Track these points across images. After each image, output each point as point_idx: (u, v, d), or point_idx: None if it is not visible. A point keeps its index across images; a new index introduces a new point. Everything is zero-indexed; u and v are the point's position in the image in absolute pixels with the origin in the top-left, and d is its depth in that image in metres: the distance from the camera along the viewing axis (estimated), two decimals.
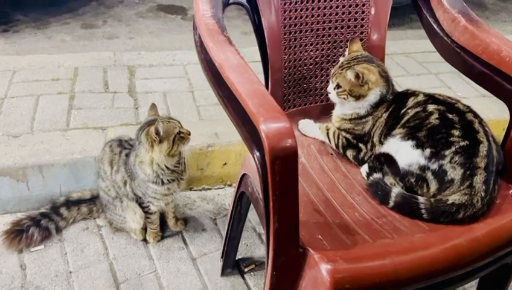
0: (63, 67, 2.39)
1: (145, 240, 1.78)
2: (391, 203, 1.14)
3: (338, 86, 1.27)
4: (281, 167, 0.83)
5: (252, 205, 1.32)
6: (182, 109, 2.17)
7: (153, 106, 1.61)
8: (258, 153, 0.87)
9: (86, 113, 2.08)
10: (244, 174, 1.31)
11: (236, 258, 1.70)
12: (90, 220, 1.84)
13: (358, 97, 1.26)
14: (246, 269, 1.70)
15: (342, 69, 1.27)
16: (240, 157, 2.01)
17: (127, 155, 1.62)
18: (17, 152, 1.81)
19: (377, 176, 1.19)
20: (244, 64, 0.97)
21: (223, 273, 1.67)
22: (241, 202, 1.41)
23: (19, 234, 1.68)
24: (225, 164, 2.02)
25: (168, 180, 1.58)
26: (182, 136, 1.52)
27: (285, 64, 1.32)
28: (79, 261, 1.68)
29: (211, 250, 1.76)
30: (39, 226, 1.71)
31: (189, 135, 1.52)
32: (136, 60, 2.54)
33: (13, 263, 1.65)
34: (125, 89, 2.28)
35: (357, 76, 1.23)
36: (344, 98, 1.27)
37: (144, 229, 1.77)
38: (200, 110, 2.19)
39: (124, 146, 1.67)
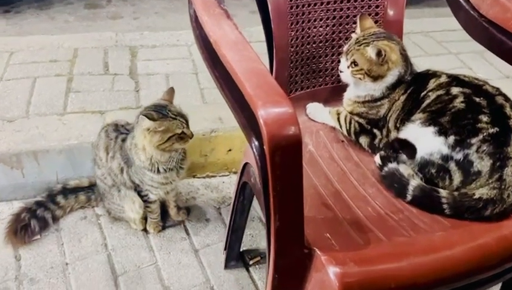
0: (62, 48, 2.29)
1: (145, 230, 1.69)
2: (409, 197, 1.02)
3: (354, 64, 1.14)
4: (282, 159, 0.72)
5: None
6: (185, 91, 2.05)
7: (171, 91, 1.47)
8: (256, 143, 0.76)
9: (84, 96, 1.98)
10: (246, 163, 1.20)
11: (241, 250, 1.61)
12: (88, 208, 1.76)
13: (376, 78, 1.13)
14: (250, 262, 1.60)
15: (360, 45, 1.14)
16: (245, 143, 1.90)
17: (124, 140, 1.52)
18: (11, 137, 1.73)
19: (392, 166, 1.07)
20: (242, 41, 0.85)
21: (227, 266, 1.57)
22: (244, 192, 1.30)
23: (24, 230, 1.60)
24: (230, 150, 1.91)
25: (164, 169, 1.47)
26: (181, 137, 1.40)
27: (292, 42, 1.19)
28: (76, 252, 1.60)
29: (215, 241, 1.67)
30: (36, 216, 1.63)
31: (191, 137, 1.40)
32: (139, 40, 2.42)
33: (7, 254, 1.58)
34: (126, 71, 2.17)
35: (379, 53, 1.10)
36: (360, 78, 1.14)
37: (145, 219, 1.68)
38: (204, 93, 2.07)
39: (120, 131, 1.56)
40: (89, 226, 1.70)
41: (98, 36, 2.42)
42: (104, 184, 1.61)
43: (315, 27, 1.22)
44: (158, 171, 1.47)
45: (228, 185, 1.93)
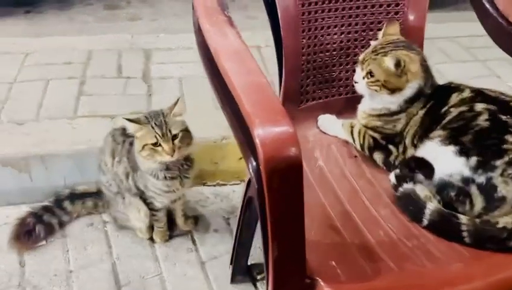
0: (77, 50, 2.27)
1: (151, 239, 1.64)
2: (425, 221, 0.94)
3: (370, 75, 1.06)
4: (281, 183, 0.66)
5: None
6: (197, 96, 2.00)
7: (177, 102, 1.39)
8: (254, 163, 0.69)
9: (95, 100, 1.95)
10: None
11: (249, 264, 1.54)
12: (95, 215, 1.73)
13: (393, 90, 1.05)
14: (258, 277, 1.54)
15: (377, 54, 1.06)
16: None
17: (132, 144, 1.47)
18: (20, 141, 1.71)
19: (408, 186, 0.99)
20: (244, 51, 0.79)
21: (233, 281, 1.51)
22: (250, 207, 1.23)
23: (28, 235, 1.57)
24: (241, 158, 1.83)
25: (165, 176, 1.42)
26: (153, 149, 1.33)
27: (303, 50, 1.12)
28: (80, 260, 1.56)
29: (222, 253, 1.61)
30: (42, 222, 1.61)
31: (170, 154, 1.31)
32: (154, 43, 2.39)
33: (12, 260, 1.55)
34: (139, 74, 2.14)
35: (398, 64, 1.02)
36: (376, 90, 1.06)
37: (151, 227, 1.63)
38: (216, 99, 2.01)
39: (129, 135, 1.52)
40: (95, 233, 1.66)
41: (113, 38, 2.40)
42: (109, 191, 1.57)
43: (328, 34, 1.15)
44: (158, 177, 1.42)
45: (239, 194, 1.86)
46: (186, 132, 1.40)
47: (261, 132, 0.64)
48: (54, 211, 1.64)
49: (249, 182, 1.16)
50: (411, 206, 0.96)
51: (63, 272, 1.52)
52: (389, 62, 1.02)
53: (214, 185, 1.89)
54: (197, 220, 1.73)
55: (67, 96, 1.95)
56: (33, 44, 2.30)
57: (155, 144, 1.33)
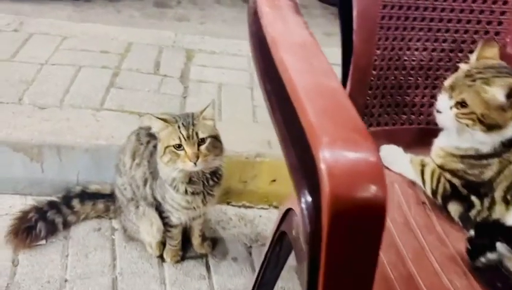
0: (116, 40, 2.14)
1: (161, 256, 1.44)
2: None
3: (461, 105, 0.84)
4: (350, 234, 0.44)
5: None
6: (236, 106, 1.82)
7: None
8: (308, 198, 0.48)
9: (125, 93, 1.79)
10: (289, 210, 0.91)
11: None
12: (105, 219, 1.55)
13: (491, 127, 0.82)
14: None
15: (473, 81, 0.83)
16: None
17: (155, 147, 1.29)
18: (37, 126, 1.56)
19: (491, 257, 0.75)
20: (311, 44, 0.59)
21: None
22: (282, 243, 1.02)
23: (27, 232, 1.41)
24: (274, 180, 1.64)
25: (186, 190, 1.22)
26: (175, 152, 1.15)
27: (376, 63, 0.91)
28: (79, 268, 1.38)
29: (238, 286, 1.39)
30: (45, 219, 1.44)
31: (192, 160, 1.13)
32: (198, 44, 2.23)
33: (6, 256, 1.39)
34: (177, 73, 1.98)
35: (510, 95, 0.79)
36: (467, 125, 0.84)
37: (163, 244, 1.44)
38: (256, 111, 1.82)
39: (155, 136, 1.34)
40: (100, 240, 1.48)
41: (156, 34, 2.26)
42: (123, 196, 1.39)
43: (409, 48, 0.93)
44: (178, 190, 1.23)
45: (265, 220, 1.65)
46: (215, 139, 1.20)
47: (328, 156, 0.43)
48: (61, 209, 1.48)
49: (286, 213, 0.94)
50: (500, 283, 0.72)
51: (57, 280, 1.34)
52: (497, 92, 0.80)
53: (239, 206, 1.68)
54: (214, 243, 1.52)
55: (97, 86, 1.81)
56: (73, 28, 2.19)
57: (178, 147, 1.15)
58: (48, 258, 1.40)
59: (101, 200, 1.53)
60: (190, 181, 1.22)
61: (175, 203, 1.27)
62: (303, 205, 0.48)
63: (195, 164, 1.14)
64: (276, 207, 1.69)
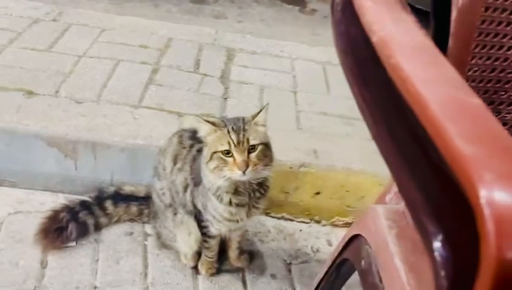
0: (156, 35, 2.07)
1: (195, 267, 1.35)
2: None
3: None
4: None
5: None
6: (279, 111, 1.71)
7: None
8: (447, 250, 0.37)
9: (165, 91, 1.71)
10: (356, 236, 0.80)
11: None
12: (137, 223, 1.47)
13: None
14: None
15: None
16: (340, 189, 1.51)
17: (200, 151, 1.20)
18: (73, 121, 1.49)
19: None
20: (431, 47, 0.48)
21: None
22: (340, 270, 0.91)
23: (58, 233, 1.34)
24: (318, 193, 1.52)
25: (231, 201, 1.13)
26: (223, 159, 1.06)
27: (469, 72, 0.79)
28: (110, 275, 1.30)
29: None
30: (77, 219, 1.36)
31: (241, 169, 1.04)
32: (239, 43, 2.14)
33: (34, 257, 1.32)
34: (217, 73, 1.88)
35: None
36: None
37: (198, 254, 1.34)
38: (300, 117, 1.72)
39: (199, 140, 1.25)
40: (132, 245, 1.40)
41: (196, 30, 2.17)
42: (160, 201, 1.30)
43: (506, 59, 0.81)
44: (221, 200, 1.13)
45: (306, 235, 1.54)
46: (266, 147, 1.10)
47: (496, 200, 0.32)
48: (93, 210, 1.40)
49: (352, 239, 0.83)
50: None
51: (87, 286, 1.26)
52: None
53: (279, 218, 1.58)
54: (252, 256, 1.42)
55: (136, 82, 1.73)
56: (112, 21, 2.12)
57: (226, 153, 1.05)
58: (78, 262, 1.32)
59: (135, 203, 1.45)
60: (236, 191, 1.13)
61: (217, 214, 1.17)
62: (438, 257, 0.37)
63: (244, 172, 1.04)
64: (317, 222, 1.58)
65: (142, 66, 1.82)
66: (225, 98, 1.75)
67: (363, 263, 0.76)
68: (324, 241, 1.53)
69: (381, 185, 1.55)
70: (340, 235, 1.54)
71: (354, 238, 0.83)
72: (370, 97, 0.53)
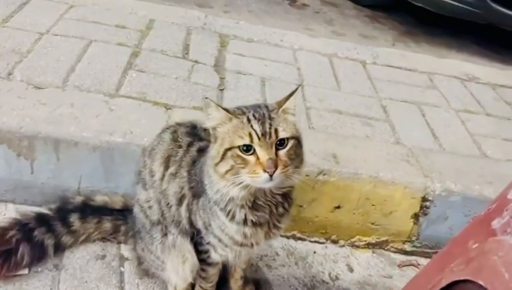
0: (135, 15, 1.76)
1: None
2: None
3: None
4: None
5: None
6: None
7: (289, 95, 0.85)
8: None
9: (148, 79, 1.40)
10: (466, 282, 0.53)
11: None
12: (112, 244, 1.17)
13: None
14: None
15: None
16: (365, 203, 1.24)
17: (201, 151, 0.90)
18: (30, 111, 1.16)
19: None
20: None
21: None
22: None
23: (5, 257, 1.01)
24: (338, 207, 1.26)
25: (245, 218, 0.83)
26: (241, 158, 0.77)
27: None
28: None
29: None
30: (30, 239, 1.04)
31: (266, 170, 0.75)
32: (232, 29, 1.86)
33: None
34: (210, 61, 1.59)
35: None
36: None
37: (191, 286, 1.03)
38: (310, 115, 1.45)
39: (200, 136, 0.95)
40: (104, 272, 1.10)
41: (182, 12, 1.88)
42: (145, 217, 0.99)
43: None
44: (233, 217, 0.83)
45: (321, 259, 1.26)
46: (298, 142, 0.82)
47: None
48: (53, 226, 1.11)
49: (452, 285, 0.55)
50: None
51: None
52: None
53: (288, 237, 1.30)
54: (258, 287, 1.13)
55: (112, 66, 1.42)
56: None
57: (246, 150, 0.76)
58: None
59: (109, 217, 1.16)
60: (253, 206, 0.83)
61: (224, 236, 0.87)
62: None
63: (271, 176, 0.75)
64: (334, 242, 1.31)
65: (119, 47, 1.51)
66: (221, 90, 1.46)
67: None
68: (344, 266, 1.26)
69: (413, 198, 1.30)
70: (362, 259, 1.27)
71: (458, 283, 0.55)
72: None
